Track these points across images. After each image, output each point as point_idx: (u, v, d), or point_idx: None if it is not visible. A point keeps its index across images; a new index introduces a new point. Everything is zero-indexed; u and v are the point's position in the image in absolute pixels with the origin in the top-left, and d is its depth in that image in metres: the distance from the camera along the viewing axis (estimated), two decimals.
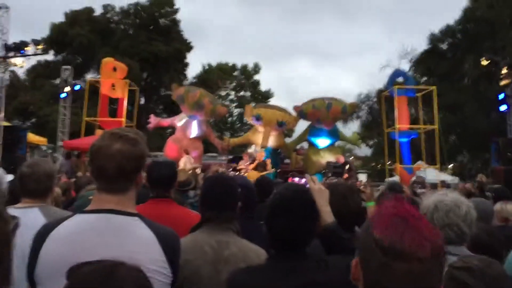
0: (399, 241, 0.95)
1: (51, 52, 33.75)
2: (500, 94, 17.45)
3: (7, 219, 1.03)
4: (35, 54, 16.65)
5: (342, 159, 15.89)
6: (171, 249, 1.73)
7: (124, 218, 1.69)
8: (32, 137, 18.48)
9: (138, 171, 1.73)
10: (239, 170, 14.19)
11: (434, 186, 15.71)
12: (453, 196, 2.15)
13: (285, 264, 1.80)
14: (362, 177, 13.46)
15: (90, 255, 1.49)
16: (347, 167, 14.55)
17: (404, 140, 17.41)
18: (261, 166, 13.83)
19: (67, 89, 19.84)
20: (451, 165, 32.20)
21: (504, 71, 16.67)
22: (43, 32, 36.40)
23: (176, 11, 39.04)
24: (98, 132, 17.20)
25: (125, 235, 1.65)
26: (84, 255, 1.55)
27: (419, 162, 19.25)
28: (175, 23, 39.34)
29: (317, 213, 1.94)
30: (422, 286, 0.95)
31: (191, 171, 6.53)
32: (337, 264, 1.87)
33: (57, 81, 28.01)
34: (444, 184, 16.94)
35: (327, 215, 2.10)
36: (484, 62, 17.04)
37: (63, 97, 20.17)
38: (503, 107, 17.42)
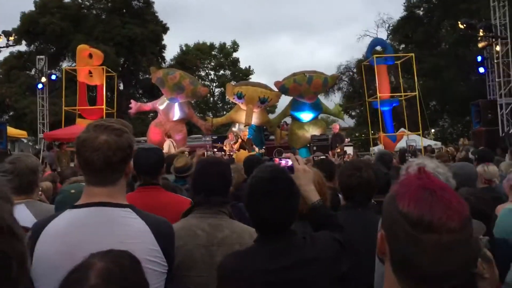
0: (428, 213, 0.95)
1: (23, 42, 32.92)
2: (478, 56, 17.63)
3: (20, 236, 0.95)
4: (7, 46, 16.23)
5: (337, 128, 15.96)
6: (165, 238, 1.73)
7: (115, 210, 1.67)
8: (12, 131, 18.16)
9: (125, 161, 1.71)
10: (225, 150, 14.19)
11: (419, 151, 15.97)
12: (431, 166, 2.12)
13: (272, 245, 1.81)
14: (349, 150, 13.55)
15: (83, 250, 1.48)
16: (337, 144, 14.59)
17: (386, 108, 17.53)
18: (247, 145, 13.83)
19: (43, 79, 19.42)
20: (433, 130, 32.64)
21: (481, 33, 16.79)
22: (13, 22, 35.40)
23: None
24: (79, 121, 16.98)
25: (117, 228, 1.64)
26: (77, 250, 1.54)
27: (402, 130, 19.45)
28: (149, 4, 38.51)
29: (297, 191, 1.93)
30: (452, 257, 0.95)
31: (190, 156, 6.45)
32: (323, 239, 1.90)
33: (32, 72, 27.44)
34: (429, 149, 17.21)
35: (312, 194, 2.11)
36: (461, 26, 17.11)
37: (40, 88, 19.76)
38: (481, 69, 17.62)
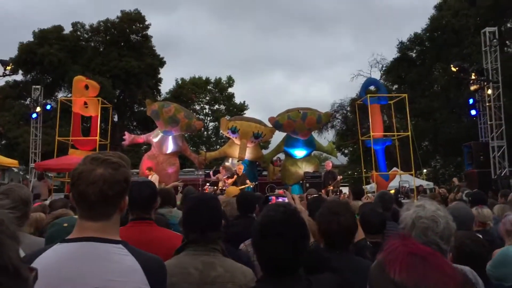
0: (423, 281, 0.92)
1: (20, 72, 33.11)
2: (469, 99, 17.91)
3: (26, 277, 0.91)
4: (4, 75, 16.29)
5: (330, 165, 15.96)
6: (156, 277, 1.68)
7: (107, 246, 1.62)
8: (3, 159, 18.00)
9: (121, 196, 1.67)
10: (217, 184, 14.09)
11: (411, 192, 16.03)
12: (431, 210, 2.06)
13: (278, 286, 1.76)
14: (345, 190, 13.59)
15: (71, 286, 1.43)
16: (329, 182, 14.62)
17: (379, 147, 17.61)
18: (240, 180, 13.73)
19: (38, 109, 19.44)
20: (425, 170, 32.78)
21: (473, 77, 17.11)
22: (11, 52, 35.69)
23: (147, 26, 38.82)
24: (71, 151, 16.89)
25: (107, 264, 1.58)
26: (65, 286, 1.49)
27: (394, 169, 19.50)
28: (147, 38, 39.09)
29: (308, 233, 1.88)
30: None
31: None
32: (327, 282, 1.86)
33: (27, 101, 27.50)
34: (421, 189, 17.26)
35: None
36: (454, 69, 17.44)
37: (34, 118, 19.74)
38: (473, 112, 17.87)
